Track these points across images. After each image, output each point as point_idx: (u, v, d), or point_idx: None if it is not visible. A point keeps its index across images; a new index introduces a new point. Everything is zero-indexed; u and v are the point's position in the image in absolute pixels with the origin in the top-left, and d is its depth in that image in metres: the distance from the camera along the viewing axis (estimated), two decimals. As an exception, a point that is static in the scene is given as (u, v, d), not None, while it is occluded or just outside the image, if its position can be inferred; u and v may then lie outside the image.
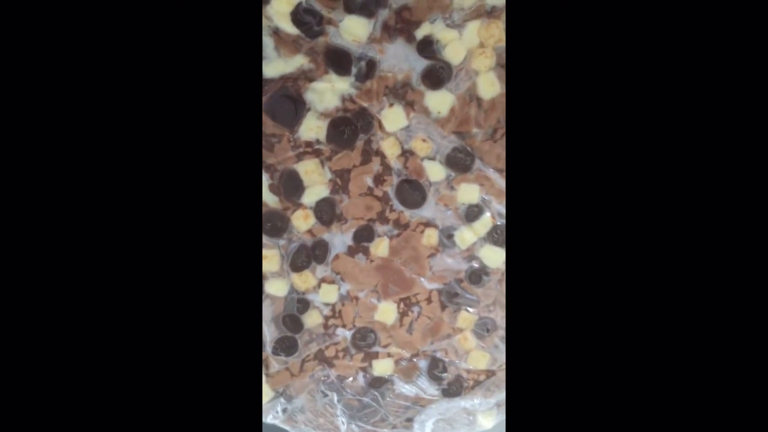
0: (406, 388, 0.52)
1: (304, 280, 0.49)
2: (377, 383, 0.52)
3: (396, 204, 0.47)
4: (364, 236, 0.48)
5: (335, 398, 0.52)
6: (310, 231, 0.47)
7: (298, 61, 0.43)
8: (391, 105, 0.44)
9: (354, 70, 0.44)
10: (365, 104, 0.45)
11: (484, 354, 0.52)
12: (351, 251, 0.48)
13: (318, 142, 0.45)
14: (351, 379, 0.52)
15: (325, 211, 0.47)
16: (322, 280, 0.49)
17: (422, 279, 0.49)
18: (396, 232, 0.48)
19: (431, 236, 0.48)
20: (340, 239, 0.48)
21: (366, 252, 0.48)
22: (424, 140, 0.46)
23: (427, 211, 0.47)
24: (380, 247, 0.48)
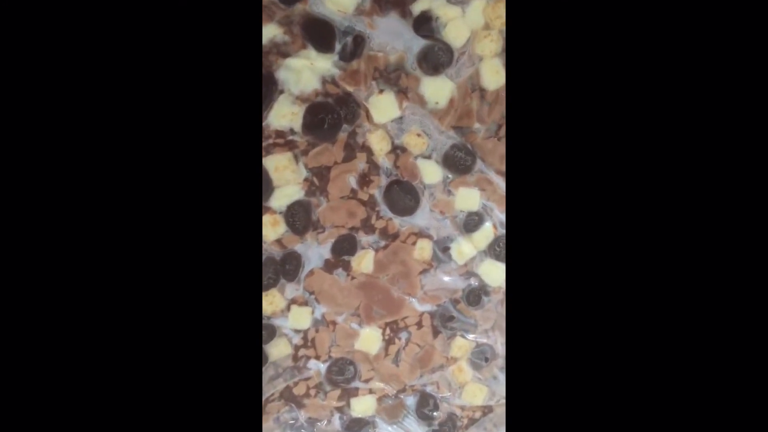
0: (391, 431, 0.48)
1: (271, 301, 0.44)
2: (356, 426, 0.48)
3: (384, 210, 0.44)
4: (344, 248, 0.44)
5: (305, 446, 0.48)
6: (279, 241, 0.43)
7: (271, 32, 0.39)
8: (380, 91, 0.41)
9: (338, 46, 0.40)
10: (350, 89, 0.41)
11: (481, 387, 0.49)
12: (328, 266, 0.45)
13: (292, 132, 0.41)
14: (325, 422, 0.48)
15: (298, 217, 0.43)
16: (293, 302, 0.45)
17: (412, 299, 0.46)
18: (383, 243, 0.44)
19: (424, 249, 0.45)
20: (315, 251, 0.44)
21: (347, 267, 0.45)
22: (418, 135, 0.42)
23: (420, 219, 0.44)
24: (364, 262, 0.45)
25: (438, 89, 0.41)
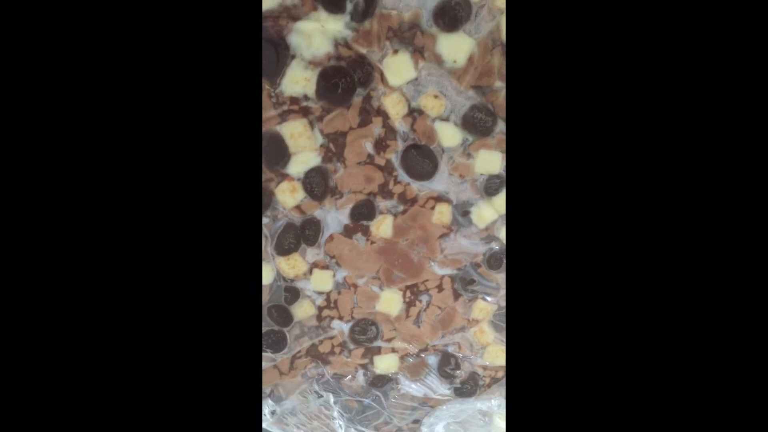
0: (413, 387, 0.49)
1: (293, 264, 0.45)
2: (380, 382, 0.49)
3: (401, 174, 0.42)
4: (363, 213, 0.44)
5: (331, 399, 0.49)
6: (298, 207, 0.43)
7: (280, -5, 0.38)
8: (395, 52, 0.39)
9: (349, 6, 0.38)
10: (363, 50, 0.39)
11: (503, 348, 0.48)
12: (348, 231, 0.44)
13: (306, 98, 0.40)
14: (349, 377, 0.49)
15: (317, 183, 0.42)
16: (314, 265, 0.45)
17: (432, 263, 0.45)
18: (401, 208, 0.44)
19: (443, 213, 0.44)
20: (334, 217, 0.43)
21: (366, 232, 0.44)
22: (435, 96, 0.40)
23: (439, 183, 0.43)
24: (382, 227, 0.44)
25: (456, 47, 0.39)
